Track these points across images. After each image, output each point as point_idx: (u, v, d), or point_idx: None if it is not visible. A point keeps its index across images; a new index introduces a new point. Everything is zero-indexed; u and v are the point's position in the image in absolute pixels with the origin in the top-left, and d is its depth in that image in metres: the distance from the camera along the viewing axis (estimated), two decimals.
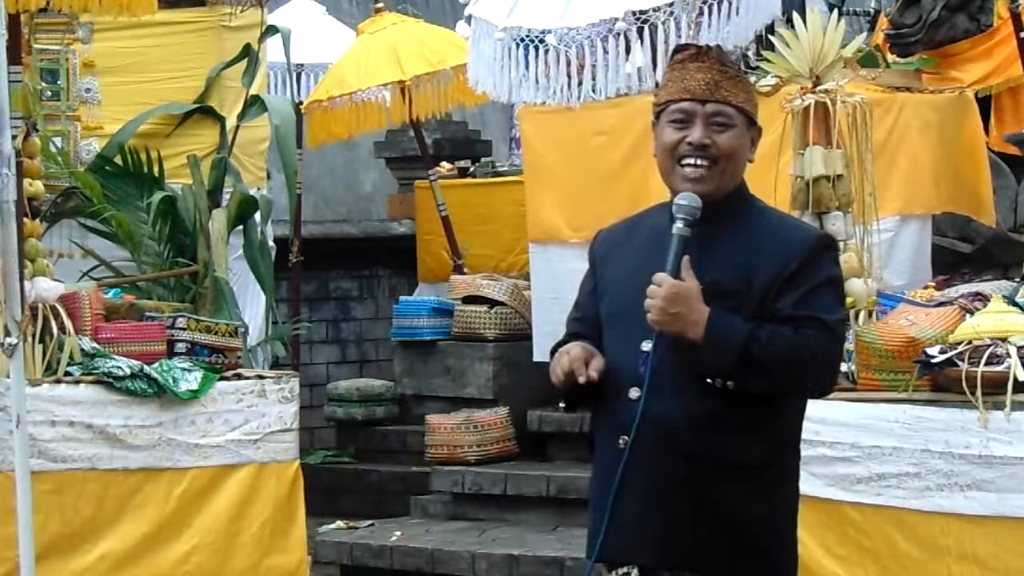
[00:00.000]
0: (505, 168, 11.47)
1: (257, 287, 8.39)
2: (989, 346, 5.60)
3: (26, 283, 6.21)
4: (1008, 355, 5.56)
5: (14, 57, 6.14)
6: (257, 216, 8.28)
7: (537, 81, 7.93)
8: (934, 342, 5.75)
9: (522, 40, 7.93)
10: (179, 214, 7.97)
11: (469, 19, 8.44)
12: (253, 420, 6.58)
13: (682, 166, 3.89)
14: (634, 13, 7.59)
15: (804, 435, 4.00)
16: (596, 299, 4.00)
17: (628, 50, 7.72)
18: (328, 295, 11.88)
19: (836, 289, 3.92)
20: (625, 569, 3.89)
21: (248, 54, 8.56)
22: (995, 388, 5.51)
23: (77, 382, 6.35)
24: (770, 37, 7.02)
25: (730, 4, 7.48)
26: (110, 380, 6.35)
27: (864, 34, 8.86)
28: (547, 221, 8.99)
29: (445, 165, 11.54)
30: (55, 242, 7.79)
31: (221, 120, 8.63)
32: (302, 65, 10.74)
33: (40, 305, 6.39)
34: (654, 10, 7.61)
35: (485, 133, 13.12)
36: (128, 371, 6.37)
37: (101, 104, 8.40)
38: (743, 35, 7.64)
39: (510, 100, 8.44)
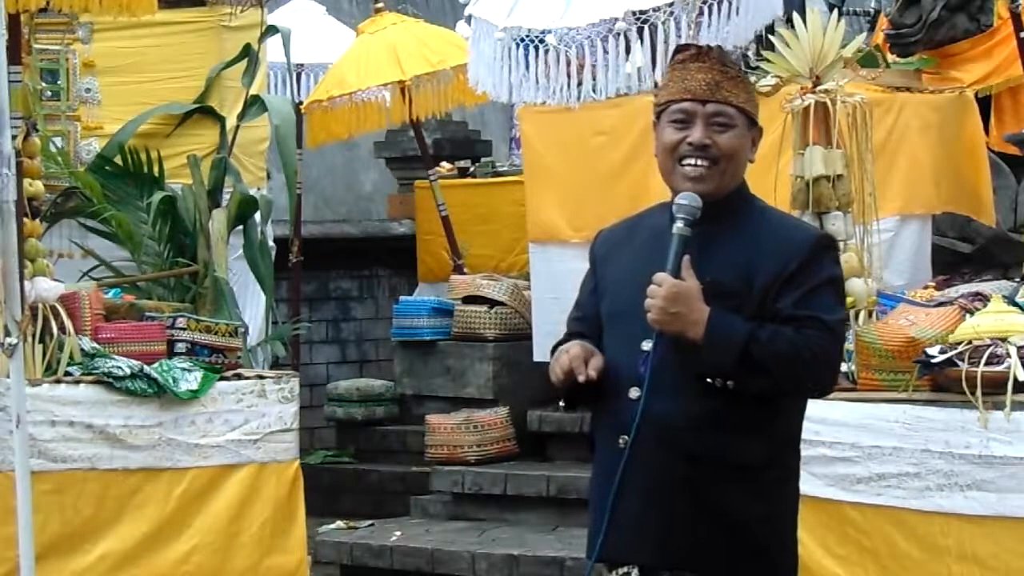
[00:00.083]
0: (505, 168, 11.47)
1: (257, 287, 8.39)
2: (989, 346, 5.60)
3: (26, 283, 6.20)
4: (1008, 355, 5.56)
5: (14, 57, 6.14)
6: (257, 216, 8.28)
7: (537, 81, 7.93)
8: (934, 342, 5.75)
9: (522, 40, 7.93)
10: (179, 214, 7.97)
11: (469, 19, 8.44)
12: (253, 420, 6.58)
13: (682, 166, 3.89)
14: (634, 13, 7.59)
15: (804, 435, 4.00)
16: (597, 299, 4.00)
17: (628, 50, 7.72)
18: (328, 295, 11.88)
19: (836, 289, 3.92)
20: (625, 569, 3.90)
21: (248, 54, 8.56)
22: (995, 388, 5.51)
23: (77, 382, 6.35)
24: (770, 37, 7.02)
25: (730, 4, 7.48)
26: (110, 380, 6.35)
27: (864, 34, 8.86)
28: (547, 221, 8.99)
29: (445, 165, 11.54)
30: (55, 242, 7.78)
31: (221, 120, 8.63)
32: (302, 65, 10.74)
33: (40, 305, 6.39)
34: (654, 10, 7.61)
35: (485, 133, 13.12)
36: (128, 371, 6.36)
37: (101, 104, 8.40)
38: (743, 35, 7.64)
39: (510, 100, 8.43)
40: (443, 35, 10.46)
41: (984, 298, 6.22)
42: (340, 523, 9.07)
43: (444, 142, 12.31)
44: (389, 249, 12.00)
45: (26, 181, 6.71)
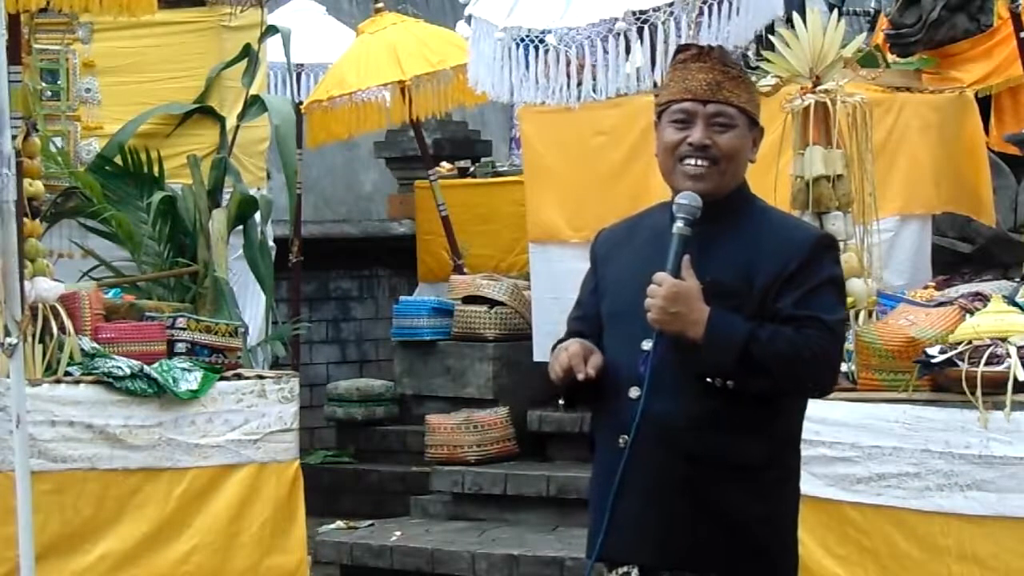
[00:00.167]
0: (505, 168, 11.47)
1: (257, 287, 8.39)
2: (989, 346, 5.60)
3: (26, 283, 6.20)
4: (1008, 355, 5.56)
5: (14, 57, 6.14)
6: (257, 216, 8.27)
7: (537, 81, 7.93)
8: (934, 342, 5.75)
9: (522, 40, 7.93)
10: (179, 214, 7.97)
11: (469, 19, 8.44)
12: (253, 420, 6.58)
13: (683, 165, 3.89)
14: (634, 13, 7.59)
15: (804, 435, 4.00)
16: (597, 299, 4.00)
17: (628, 50, 7.71)
18: (328, 295, 11.88)
19: (837, 289, 3.92)
20: (625, 569, 3.90)
21: (248, 54, 8.56)
22: (995, 388, 5.51)
23: (77, 382, 6.35)
24: (770, 37, 7.02)
25: (730, 4, 7.48)
26: (110, 380, 6.35)
27: (864, 34, 8.86)
28: (547, 221, 8.99)
29: (445, 165, 11.54)
30: (55, 242, 7.78)
31: (221, 120, 8.63)
32: (302, 65, 10.74)
33: (40, 305, 6.39)
34: (654, 10, 7.61)
35: (485, 133, 13.12)
36: (128, 371, 6.36)
37: (101, 104, 8.40)
38: (743, 35, 7.64)
39: (510, 100, 8.43)
40: (443, 35, 10.46)
41: (984, 298, 6.22)
42: (340, 523, 9.07)
43: (444, 142, 12.31)
44: (389, 249, 12.00)
45: (26, 181, 6.71)
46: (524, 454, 9.11)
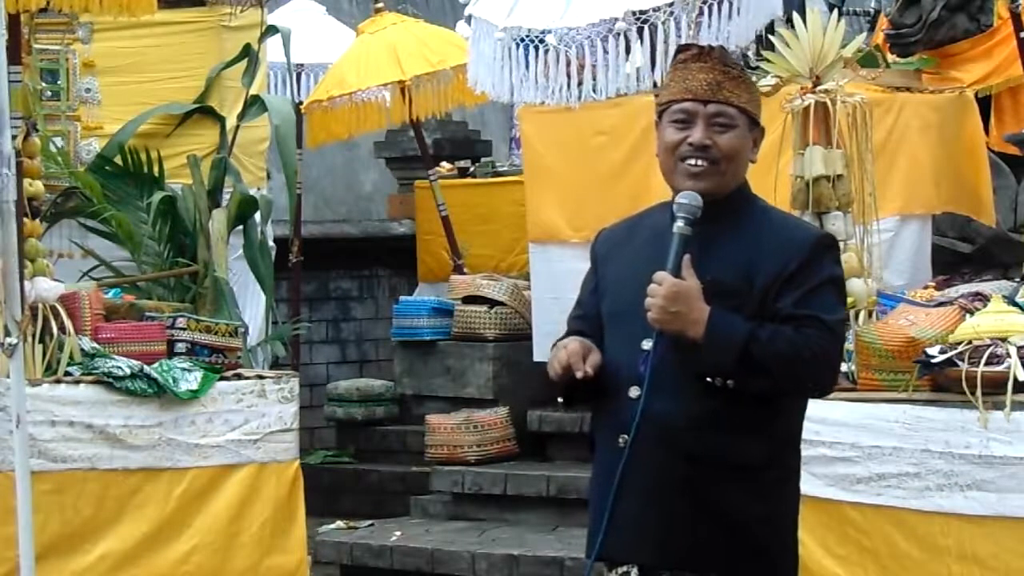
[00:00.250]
0: (505, 168, 11.47)
1: (257, 287, 8.39)
2: (989, 346, 5.60)
3: (26, 283, 6.20)
4: (1008, 355, 5.55)
5: (14, 57, 6.13)
6: (257, 216, 8.27)
7: (537, 81, 7.93)
8: (934, 342, 5.75)
9: (522, 40, 7.93)
10: (179, 214, 7.97)
11: (469, 19, 8.44)
12: (253, 420, 6.58)
13: (683, 165, 3.89)
14: (634, 13, 7.58)
15: (804, 435, 4.00)
16: (597, 298, 4.00)
17: (628, 50, 7.71)
18: (328, 295, 11.88)
19: (837, 289, 3.92)
20: (625, 568, 3.90)
21: (248, 54, 8.56)
22: (995, 388, 5.51)
23: (77, 382, 6.35)
24: (770, 37, 7.02)
25: (730, 4, 7.48)
26: (110, 380, 6.35)
27: (864, 34, 8.86)
28: (547, 221, 8.99)
29: (445, 165, 11.54)
30: (55, 242, 7.78)
31: (221, 120, 8.63)
32: (302, 65, 10.74)
33: (40, 305, 6.39)
34: (654, 10, 7.61)
35: (485, 133, 13.12)
36: (128, 371, 6.36)
37: (101, 104, 8.40)
38: (744, 35, 7.63)
39: (510, 100, 8.43)
40: (443, 35, 10.46)
41: (984, 298, 6.21)
42: (340, 523, 9.07)
43: (444, 142, 12.31)
44: (389, 249, 12.00)
45: (26, 181, 6.71)
46: (524, 454, 9.11)
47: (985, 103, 8.70)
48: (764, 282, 3.82)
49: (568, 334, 4.01)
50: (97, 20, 8.01)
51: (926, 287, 7.01)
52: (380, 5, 10.60)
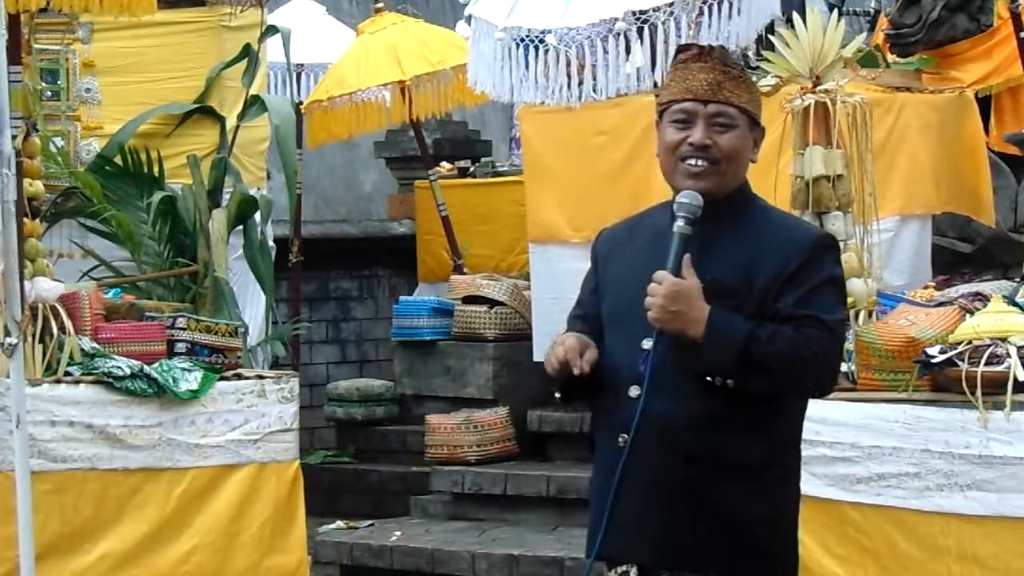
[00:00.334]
0: (505, 168, 11.47)
1: (257, 287, 8.39)
2: (989, 346, 5.60)
3: (26, 283, 6.20)
4: (1008, 355, 5.55)
5: (14, 57, 6.13)
6: (257, 216, 8.27)
7: (537, 81, 7.93)
8: (934, 342, 5.75)
9: (522, 40, 7.92)
10: (179, 214, 7.97)
11: (469, 19, 8.44)
12: (253, 420, 6.58)
13: (684, 165, 3.90)
14: (634, 13, 7.58)
15: (804, 435, 4.00)
16: (597, 298, 4.00)
17: (628, 50, 7.71)
18: (328, 295, 11.88)
19: (837, 289, 3.92)
20: (624, 568, 3.90)
21: (248, 54, 8.55)
22: (995, 388, 5.50)
23: (77, 382, 6.35)
24: (770, 37, 7.02)
25: (730, 4, 7.48)
26: (110, 380, 6.34)
27: (864, 34, 8.86)
28: (547, 221, 8.99)
29: (445, 165, 11.54)
30: (55, 242, 7.78)
31: (221, 120, 8.63)
32: (302, 65, 10.74)
33: (40, 305, 6.39)
34: (654, 10, 7.61)
35: (485, 133, 13.12)
36: (128, 371, 6.36)
37: (101, 104, 8.40)
38: (744, 35, 7.63)
39: (510, 100, 8.43)
40: (443, 35, 10.46)
41: (984, 298, 6.21)
42: (340, 523, 9.07)
43: (444, 142, 12.31)
44: (389, 249, 12.00)
45: (26, 181, 6.71)
46: (524, 454, 9.11)
47: (985, 103, 8.70)
48: (764, 282, 3.82)
49: (567, 332, 4.01)
50: (97, 20, 8.01)
51: (926, 287, 7.01)
52: (380, 5, 10.59)
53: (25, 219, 6.65)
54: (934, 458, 5.61)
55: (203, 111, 8.64)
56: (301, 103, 10.36)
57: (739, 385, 3.76)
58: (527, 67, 7.93)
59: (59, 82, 8.09)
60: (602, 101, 8.01)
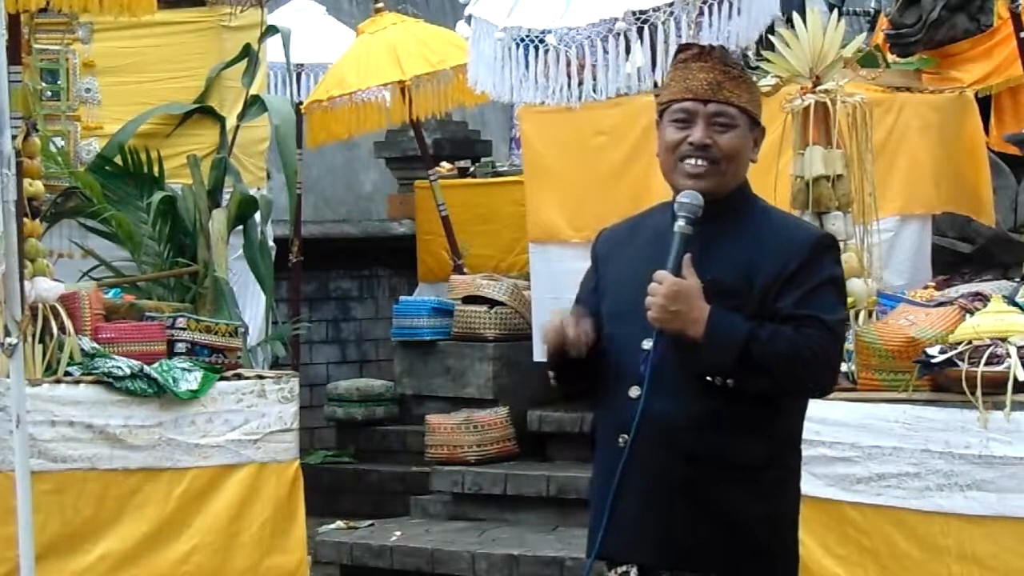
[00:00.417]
0: (505, 168, 11.47)
1: (257, 287, 8.39)
2: (989, 346, 5.60)
3: (26, 283, 6.20)
4: (1008, 355, 5.55)
5: (14, 57, 6.13)
6: (257, 216, 8.27)
7: (537, 81, 7.92)
8: (934, 342, 5.75)
9: (522, 40, 7.92)
10: (179, 214, 7.97)
11: (469, 19, 8.44)
12: (253, 420, 6.58)
13: (683, 165, 3.90)
14: (634, 13, 7.58)
15: (804, 435, 4.00)
16: (597, 297, 4.00)
17: (628, 50, 7.71)
18: (328, 295, 11.88)
19: (837, 289, 3.92)
20: (624, 568, 3.90)
21: (248, 54, 8.56)
22: (995, 388, 5.51)
23: (77, 382, 6.35)
24: (770, 37, 7.02)
25: (731, 4, 7.47)
26: (110, 380, 6.35)
27: (864, 34, 8.86)
28: (547, 221, 8.99)
29: (445, 165, 11.54)
30: (55, 242, 7.78)
31: (221, 120, 8.63)
32: (302, 65, 10.74)
33: (40, 305, 6.39)
34: (654, 10, 7.60)
35: (485, 133, 13.12)
36: (128, 371, 6.36)
37: (101, 104, 8.40)
38: (744, 35, 7.63)
39: (510, 100, 8.43)
40: (443, 35, 10.46)
41: (984, 298, 6.21)
42: (340, 523, 9.07)
43: (444, 142, 12.31)
44: (389, 249, 12.00)
45: (26, 181, 6.71)
46: (524, 454, 9.10)
47: (985, 103, 8.70)
48: (764, 282, 3.82)
49: None
50: (97, 20, 8.01)
51: (926, 287, 7.01)
52: (380, 5, 10.59)
53: (25, 219, 6.65)
54: (934, 458, 5.61)
55: (203, 111, 8.64)
56: (301, 103, 10.36)
57: (739, 385, 3.76)
58: (527, 67, 7.92)
59: (59, 82, 8.09)
60: (602, 101, 8.01)
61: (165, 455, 6.42)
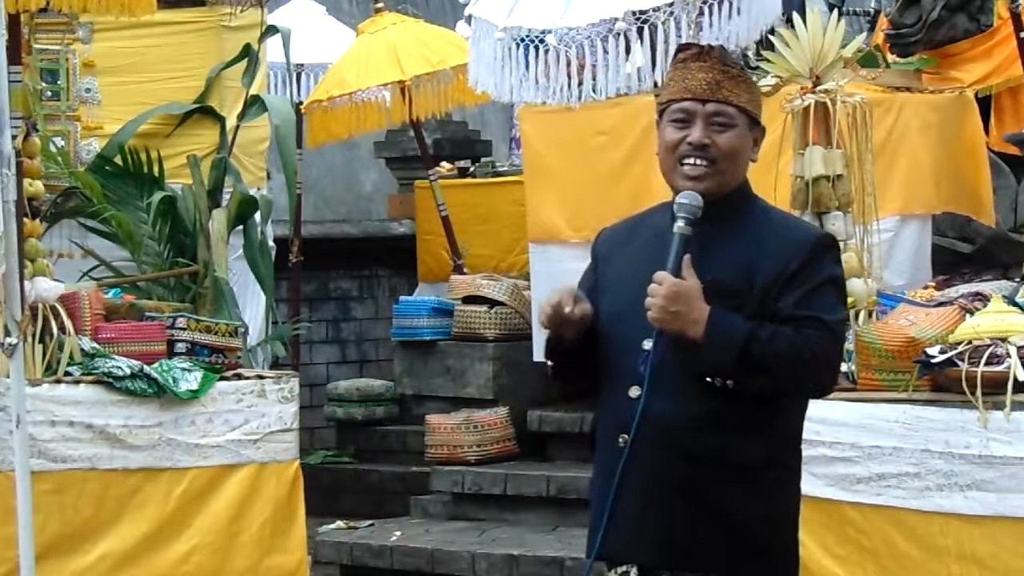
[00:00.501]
0: (505, 168, 11.47)
1: (257, 287, 8.39)
2: (989, 346, 5.60)
3: (26, 283, 6.20)
4: (1008, 355, 5.56)
5: (14, 57, 6.14)
6: (257, 216, 8.28)
7: (537, 81, 7.93)
8: (934, 342, 5.75)
9: (522, 40, 7.92)
10: (179, 214, 7.97)
11: (469, 19, 8.44)
12: (253, 420, 6.58)
13: (682, 165, 3.90)
14: (634, 13, 7.58)
15: (804, 435, 3.99)
16: (595, 297, 3.99)
17: (628, 50, 7.71)
18: (328, 295, 11.88)
19: (837, 289, 3.92)
20: (624, 568, 3.90)
21: (248, 54, 8.56)
22: (995, 388, 5.51)
23: (77, 382, 6.35)
24: (770, 37, 7.02)
25: (731, 4, 7.47)
26: (110, 380, 6.35)
27: (864, 34, 8.86)
28: (547, 221, 8.99)
29: (445, 165, 11.54)
30: (55, 242, 7.78)
31: (221, 120, 8.63)
32: (302, 65, 10.74)
33: (40, 305, 6.39)
34: (654, 10, 7.61)
35: (485, 133, 13.12)
36: (128, 371, 6.36)
37: (101, 104, 8.40)
38: (745, 35, 7.63)
39: (510, 100, 8.43)
40: (443, 35, 10.46)
41: (984, 298, 6.21)
42: (340, 523, 9.07)
43: (444, 142, 12.31)
44: (389, 249, 12.00)
45: (26, 181, 6.71)
46: (524, 454, 9.10)
47: (985, 103, 8.70)
48: (764, 282, 3.81)
49: None
50: (97, 20, 8.01)
51: (926, 287, 7.01)
52: (380, 5, 10.60)
53: (25, 219, 6.65)
54: (934, 458, 5.61)
55: (203, 111, 8.64)
56: (301, 103, 10.36)
57: (739, 385, 3.76)
58: (527, 67, 7.93)
59: (59, 82, 8.09)
60: (602, 101, 8.01)
61: (165, 455, 6.42)
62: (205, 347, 6.72)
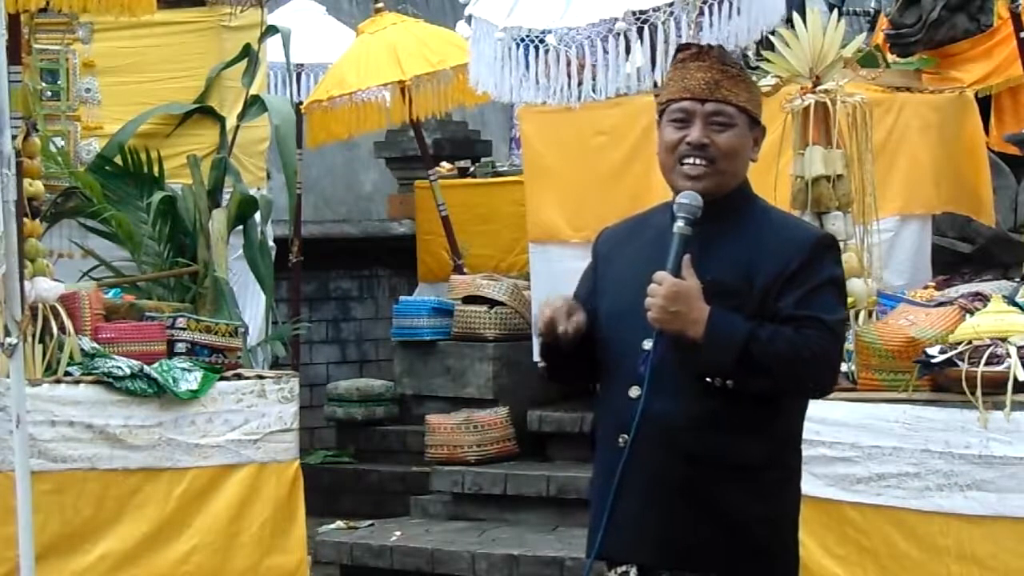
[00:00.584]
0: (505, 168, 11.47)
1: (257, 287, 8.39)
2: (989, 346, 5.60)
3: (26, 283, 6.20)
4: (1008, 355, 5.56)
5: (14, 57, 6.14)
6: (257, 216, 8.28)
7: (537, 81, 7.92)
8: (934, 342, 5.75)
9: (522, 40, 7.92)
10: (179, 214, 7.97)
11: (469, 19, 8.44)
12: (253, 420, 6.58)
13: (682, 165, 3.90)
14: (634, 13, 7.58)
15: (804, 435, 3.99)
16: (595, 297, 3.99)
17: (628, 50, 7.71)
18: (328, 295, 11.88)
19: (837, 289, 3.92)
20: (624, 568, 3.90)
21: (248, 54, 8.56)
22: (995, 388, 5.51)
23: (77, 382, 6.35)
24: (770, 37, 7.02)
25: (731, 4, 7.47)
26: (110, 380, 6.35)
27: (864, 34, 8.86)
28: (547, 221, 8.99)
29: (445, 165, 11.54)
30: (55, 242, 7.78)
31: (221, 120, 8.63)
32: (302, 65, 10.74)
33: (40, 305, 6.39)
34: (654, 10, 7.61)
35: (485, 133, 13.12)
36: (128, 371, 6.36)
37: (101, 104, 8.40)
38: (745, 35, 7.62)
39: (510, 100, 8.43)
40: (443, 35, 10.46)
41: (984, 298, 6.22)
42: (340, 523, 9.07)
43: (444, 142, 12.31)
44: (389, 249, 12.00)
45: (26, 181, 6.71)
46: (524, 454, 9.10)
47: (985, 103, 8.70)
48: (764, 282, 3.81)
49: None
50: (97, 20, 8.01)
51: (926, 287, 7.01)
52: (380, 5, 10.60)
53: (25, 219, 6.66)
54: (934, 458, 5.61)
55: (203, 111, 8.64)
56: (301, 103, 10.36)
57: (739, 385, 3.76)
58: (527, 67, 7.93)
59: (59, 82, 8.09)
60: (602, 101, 8.01)
61: (165, 455, 6.43)
62: (205, 347, 6.72)
